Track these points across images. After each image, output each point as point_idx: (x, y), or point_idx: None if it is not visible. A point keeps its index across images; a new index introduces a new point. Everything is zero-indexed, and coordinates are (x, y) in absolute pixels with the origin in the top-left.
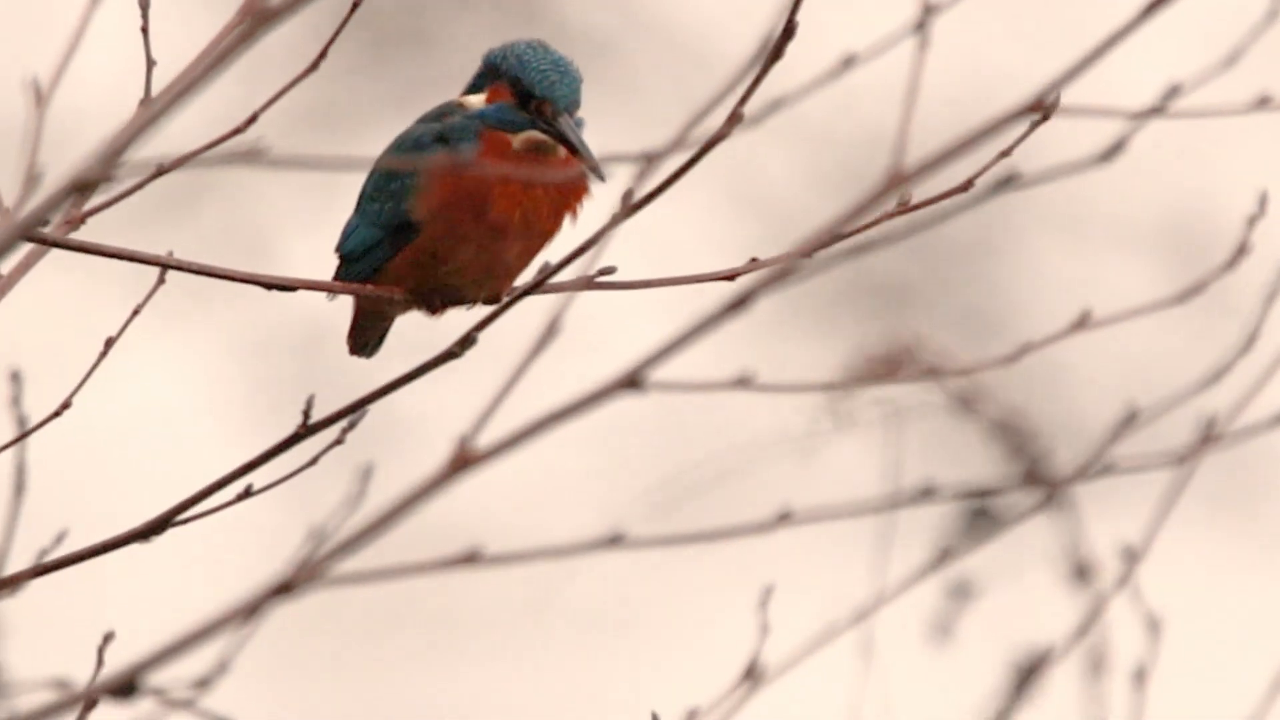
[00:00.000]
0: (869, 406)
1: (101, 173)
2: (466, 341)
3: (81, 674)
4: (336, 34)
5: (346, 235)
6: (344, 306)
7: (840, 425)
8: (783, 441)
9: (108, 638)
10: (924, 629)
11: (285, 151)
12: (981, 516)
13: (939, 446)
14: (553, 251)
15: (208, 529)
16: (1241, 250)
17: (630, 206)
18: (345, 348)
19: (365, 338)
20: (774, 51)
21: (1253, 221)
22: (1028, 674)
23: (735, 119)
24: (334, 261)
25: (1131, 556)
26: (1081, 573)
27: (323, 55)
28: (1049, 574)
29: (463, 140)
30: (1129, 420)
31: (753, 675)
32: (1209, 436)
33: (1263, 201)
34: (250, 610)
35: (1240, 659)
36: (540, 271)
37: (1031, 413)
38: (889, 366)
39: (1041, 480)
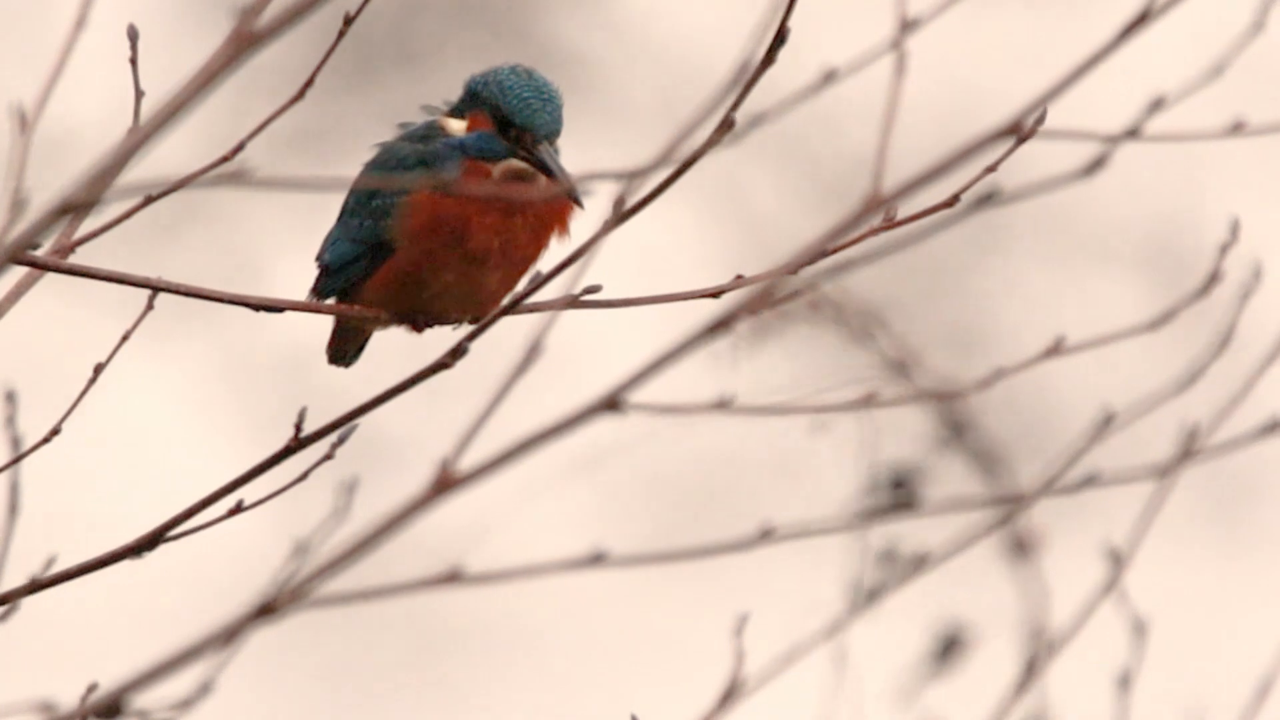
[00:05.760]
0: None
1: (90, 196)
2: (458, 352)
3: (67, 696)
4: (324, 61)
5: (327, 246)
6: (326, 318)
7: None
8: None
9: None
10: (849, 594)
11: (269, 173)
12: (905, 489)
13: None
14: (543, 266)
15: (199, 545)
16: (1215, 278)
17: (621, 214)
18: (328, 362)
19: (344, 348)
20: (766, 57)
21: (1225, 249)
22: (950, 645)
23: (727, 126)
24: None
25: (1117, 560)
26: (1020, 548)
27: (309, 84)
28: (987, 550)
29: (445, 168)
30: (1105, 425)
31: (730, 699)
32: (1190, 450)
33: (1234, 229)
34: (233, 632)
35: (1221, 666)
36: (531, 281)
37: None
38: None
39: (983, 461)
